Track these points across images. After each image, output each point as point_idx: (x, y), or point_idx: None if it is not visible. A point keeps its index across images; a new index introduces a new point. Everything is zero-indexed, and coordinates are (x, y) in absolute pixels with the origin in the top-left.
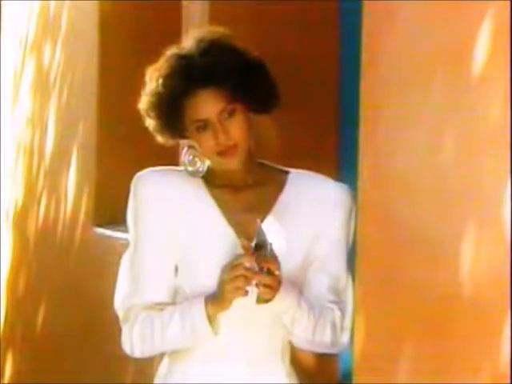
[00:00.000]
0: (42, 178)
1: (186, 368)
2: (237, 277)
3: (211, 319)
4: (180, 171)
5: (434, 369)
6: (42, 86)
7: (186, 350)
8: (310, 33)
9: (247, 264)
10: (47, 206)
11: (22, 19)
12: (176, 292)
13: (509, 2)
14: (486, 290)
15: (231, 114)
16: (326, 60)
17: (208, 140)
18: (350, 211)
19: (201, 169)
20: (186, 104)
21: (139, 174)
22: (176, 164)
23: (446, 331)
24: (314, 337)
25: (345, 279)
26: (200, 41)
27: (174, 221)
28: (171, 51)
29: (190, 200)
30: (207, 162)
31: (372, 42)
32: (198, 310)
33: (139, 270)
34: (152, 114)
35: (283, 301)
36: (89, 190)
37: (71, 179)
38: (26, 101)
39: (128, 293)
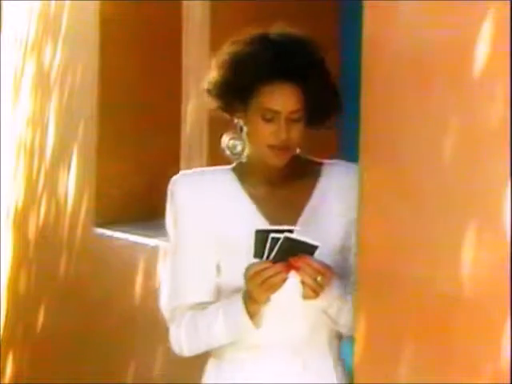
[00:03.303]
0: (42, 178)
1: (232, 359)
2: (263, 282)
3: (251, 314)
4: (214, 171)
5: (435, 369)
6: (42, 86)
7: (232, 343)
8: (310, 33)
9: (271, 272)
10: (47, 206)
11: (22, 19)
12: (219, 290)
13: (509, 2)
14: (486, 290)
15: (298, 119)
16: (326, 59)
17: (269, 131)
18: None
19: (241, 153)
20: (264, 89)
21: (174, 177)
22: (177, 164)
23: (446, 331)
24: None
25: None
26: (291, 36)
27: (212, 221)
28: (259, 34)
29: (226, 199)
30: (247, 149)
31: (372, 42)
32: (238, 308)
33: (180, 272)
34: (224, 87)
35: (328, 295)
36: (89, 190)
37: (71, 179)
38: (27, 101)
39: (171, 294)
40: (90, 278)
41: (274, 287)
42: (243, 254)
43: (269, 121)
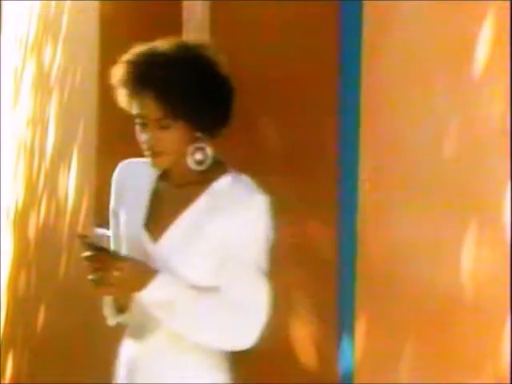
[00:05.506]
0: (42, 178)
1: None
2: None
3: (112, 307)
4: (147, 163)
5: (435, 369)
6: (42, 86)
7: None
8: (310, 33)
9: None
10: (47, 206)
11: (23, 19)
12: None
13: (509, 2)
14: (486, 290)
15: (166, 126)
16: (326, 60)
17: (142, 138)
18: (259, 218)
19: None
20: (134, 99)
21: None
22: None
23: (446, 331)
24: (202, 334)
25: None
26: (177, 45)
27: (120, 207)
28: (136, 48)
29: (137, 190)
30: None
31: (372, 43)
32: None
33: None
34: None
35: (149, 294)
36: (89, 190)
37: (71, 179)
38: (27, 101)
39: None
40: None
41: (96, 280)
42: (122, 242)
43: (142, 128)
